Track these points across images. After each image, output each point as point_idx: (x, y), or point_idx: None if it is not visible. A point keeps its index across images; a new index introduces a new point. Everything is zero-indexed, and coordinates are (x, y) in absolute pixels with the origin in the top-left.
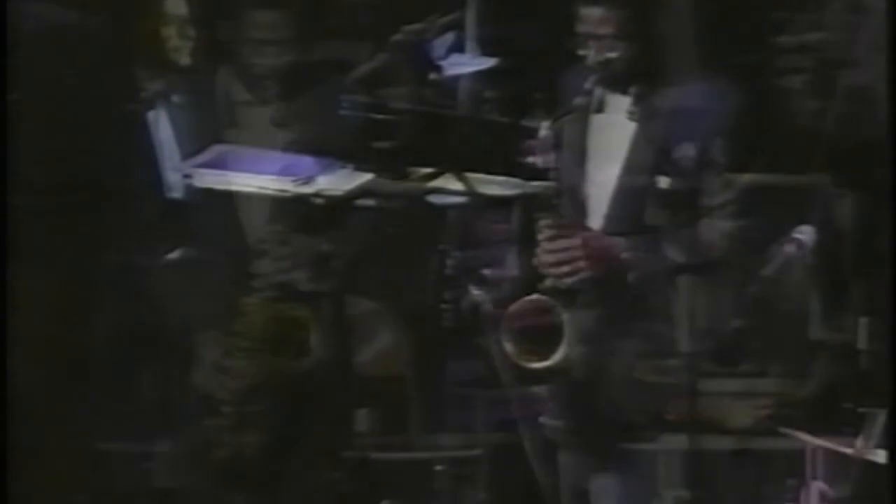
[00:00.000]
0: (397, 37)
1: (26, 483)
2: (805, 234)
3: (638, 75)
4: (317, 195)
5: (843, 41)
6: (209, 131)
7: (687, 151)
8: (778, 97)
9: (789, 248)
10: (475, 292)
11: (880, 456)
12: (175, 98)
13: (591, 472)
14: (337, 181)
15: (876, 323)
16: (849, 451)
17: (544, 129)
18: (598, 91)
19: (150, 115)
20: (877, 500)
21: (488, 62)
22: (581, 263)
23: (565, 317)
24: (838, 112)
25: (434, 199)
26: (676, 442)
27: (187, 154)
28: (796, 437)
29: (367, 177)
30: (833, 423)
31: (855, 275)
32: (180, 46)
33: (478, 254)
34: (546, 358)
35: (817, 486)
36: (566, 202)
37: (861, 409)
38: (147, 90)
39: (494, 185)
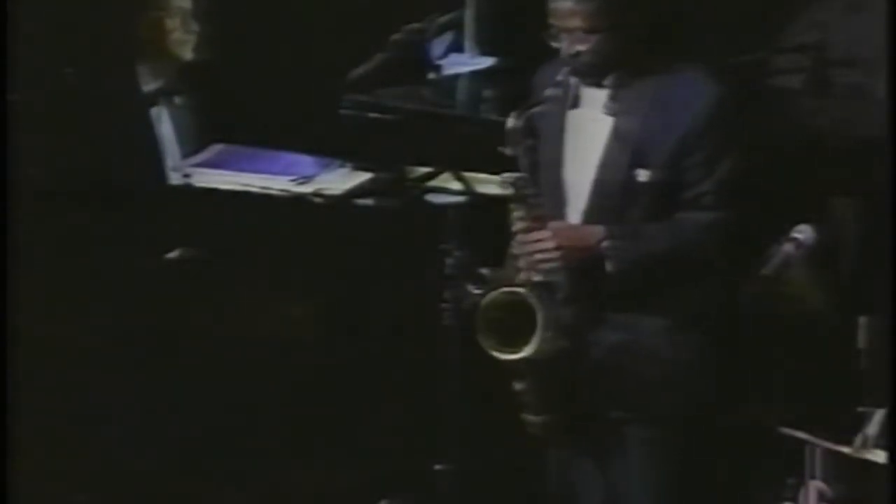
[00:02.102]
0: (396, 36)
1: (26, 482)
2: (804, 233)
3: (610, 68)
4: (316, 194)
5: (842, 41)
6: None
7: (664, 144)
8: (771, 98)
9: (788, 248)
10: (475, 291)
11: (879, 455)
12: (176, 95)
13: (577, 468)
14: (335, 180)
15: (876, 322)
16: (847, 450)
17: (513, 118)
18: (572, 86)
19: (154, 111)
20: (876, 500)
21: (487, 62)
22: (554, 254)
23: (539, 307)
24: (836, 112)
25: (433, 198)
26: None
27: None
28: (795, 436)
29: (365, 176)
30: (832, 422)
31: (854, 274)
32: (184, 40)
33: (477, 252)
34: (520, 350)
35: (816, 486)
36: (544, 195)
37: (860, 409)
38: (150, 86)
39: (493, 185)
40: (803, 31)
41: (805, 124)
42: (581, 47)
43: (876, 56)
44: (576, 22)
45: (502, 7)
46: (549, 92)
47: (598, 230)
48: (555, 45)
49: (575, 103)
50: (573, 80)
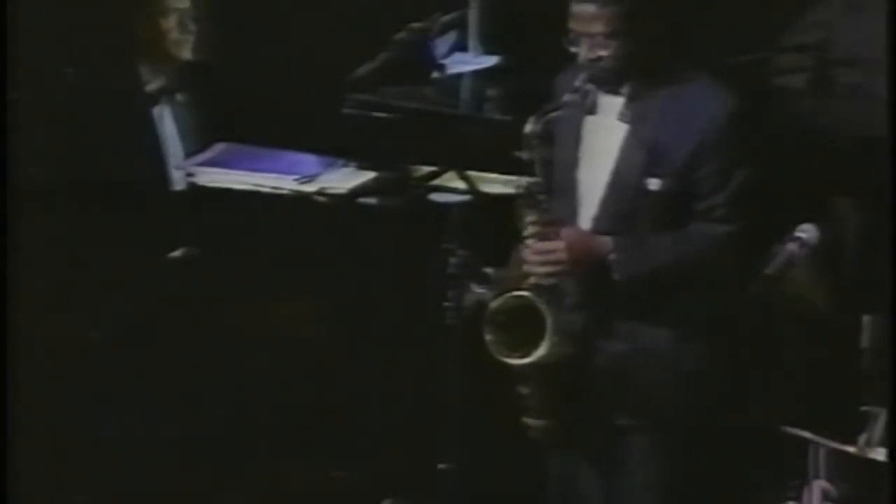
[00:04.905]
0: (400, 35)
1: (26, 482)
2: (807, 232)
3: (628, 74)
4: (319, 193)
5: (843, 40)
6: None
7: (677, 154)
8: (772, 98)
9: (791, 247)
10: (478, 290)
11: (883, 454)
12: (178, 94)
13: (577, 471)
14: (339, 179)
15: (878, 321)
16: (852, 449)
17: (530, 124)
18: (590, 92)
19: (156, 110)
20: (880, 499)
21: (490, 61)
22: (564, 266)
23: (548, 313)
24: (837, 112)
25: (436, 197)
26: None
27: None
28: (799, 436)
29: (369, 175)
30: (836, 421)
31: (857, 273)
32: (181, 40)
33: (480, 252)
34: (527, 354)
35: (820, 485)
36: (557, 200)
37: (864, 408)
38: (151, 85)
39: (497, 184)
40: (805, 31)
41: (807, 124)
42: (602, 52)
43: (877, 56)
44: (598, 27)
45: (506, 6)
46: (567, 98)
47: (608, 241)
48: (573, 49)
49: (592, 109)
50: (591, 86)
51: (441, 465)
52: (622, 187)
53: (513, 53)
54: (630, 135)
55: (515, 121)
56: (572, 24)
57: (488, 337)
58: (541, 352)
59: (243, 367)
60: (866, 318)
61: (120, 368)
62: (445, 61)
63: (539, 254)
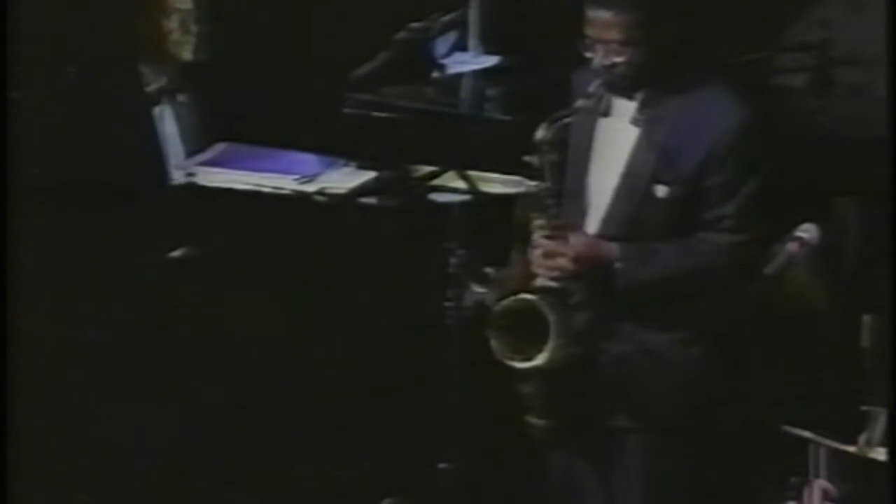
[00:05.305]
0: (400, 35)
1: (27, 482)
2: (808, 231)
3: (643, 81)
4: (319, 193)
5: (844, 39)
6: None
7: (688, 161)
8: (772, 97)
9: (791, 247)
10: (478, 290)
11: (883, 454)
12: (179, 94)
13: (578, 472)
14: (339, 179)
15: (878, 321)
16: (852, 449)
17: (542, 129)
18: (605, 95)
19: (156, 110)
20: (880, 499)
21: (490, 60)
22: (570, 270)
23: (552, 317)
24: (837, 112)
25: (436, 197)
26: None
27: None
28: (800, 435)
29: (369, 175)
30: (836, 421)
31: (858, 273)
32: (183, 42)
33: (481, 252)
34: (531, 357)
35: (820, 485)
36: (566, 203)
37: (865, 408)
38: (152, 85)
39: (497, 184)
40: (806, 30)
41: (808, 123)
42: (617, 59)
43: (878, 55)
44: (613, 34)
45: (506, 6)
46: (580, 103)
47: (615, 248)
48: (588, 55)
49: (606, 112)
50: (605, 91)
51: (441, 465)
52: (631, 192)
53: (513, 53)
54: (641, 139)
55: (515, 121)
56: (587, 30)
57: (492, 340)
58: (545, 356)
59: (243, 367)
60: (866, 318)
61: (120, 368)
62: (446, 61)
63: (547, 258)
